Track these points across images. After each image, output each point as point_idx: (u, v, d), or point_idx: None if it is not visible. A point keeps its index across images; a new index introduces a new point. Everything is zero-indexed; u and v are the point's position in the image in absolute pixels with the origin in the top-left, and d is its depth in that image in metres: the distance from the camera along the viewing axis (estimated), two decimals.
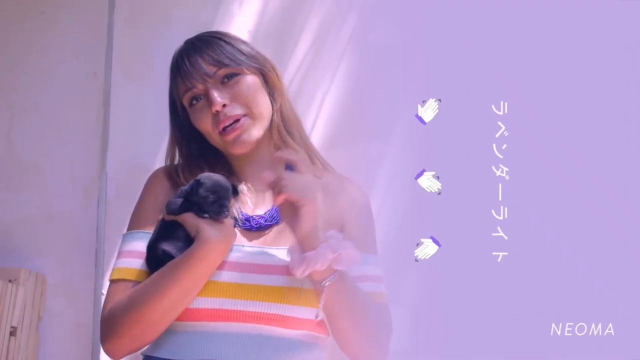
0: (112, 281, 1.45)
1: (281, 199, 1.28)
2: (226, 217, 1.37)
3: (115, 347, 1.38)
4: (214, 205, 1.36)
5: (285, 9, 2.10)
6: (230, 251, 1.39)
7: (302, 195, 1.28)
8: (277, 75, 1.54)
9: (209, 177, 1.40)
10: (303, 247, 1.30)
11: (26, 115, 2.18)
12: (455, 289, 1.97)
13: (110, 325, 1.37)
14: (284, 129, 1.51)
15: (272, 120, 1.50)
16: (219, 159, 1.53)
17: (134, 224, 1.51)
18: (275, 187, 1.29)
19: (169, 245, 1.38)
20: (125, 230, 2.03)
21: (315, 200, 1.30)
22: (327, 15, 2.09)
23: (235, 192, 1.43)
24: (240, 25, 2.08)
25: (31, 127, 2.17)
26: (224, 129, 1.45)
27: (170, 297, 1.33)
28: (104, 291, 2.02)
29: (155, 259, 1.40)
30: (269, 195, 1.46)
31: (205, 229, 1.34)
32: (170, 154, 1.57)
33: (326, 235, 1.31)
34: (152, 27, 2.14)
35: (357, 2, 2.08)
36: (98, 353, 2.00)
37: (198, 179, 1.39)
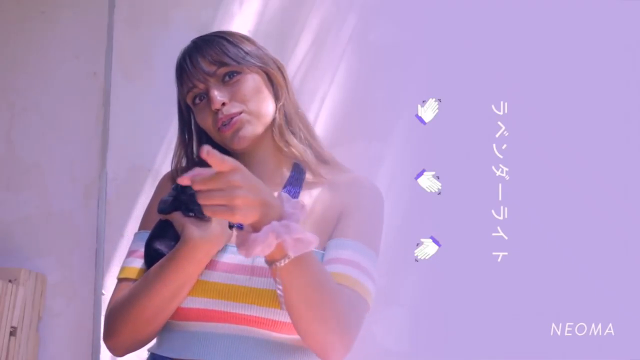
0: (117, 280, 1.46)
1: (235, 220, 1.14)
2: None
3: (114, 344, 1.40)
4: (199, 204, 1.35)
5: (285, 9, 2.10)
6: (225, 252, 1.38)
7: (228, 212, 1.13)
8: (282, 74, 1.53)
9: None
10: (252, 224, 1.17)
11: (26, 115, 2.18)
12: (455, 289, 1.97)
13: (110, 323, 1.38)
14: (287, 128, 1.50)
15: (273, 119, 1.50)
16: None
17: (141, 225, 1.52)
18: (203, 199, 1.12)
19: (161, 244, 1.38)
20: (125, 231, 2.06)
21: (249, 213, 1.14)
22: (327, 15, 2.09)
23: None
24: (240, 25, 2.09)
25: (31, 127, 2.17)
26: (223, 125, 1.45)
27: (159, 295, 1.33)
28: (104, 291, 2.03)
29: (149, 258, 1.40)
30: None
31: (189, 228, 1.33)
32: (177, 156, 1.56)
33: (280, 209, 1.17)
34: (152, 27, 2.14)
35: (357, 2, 2.08)
36: (98, 353, 2.00)
37: None
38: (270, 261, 1.21)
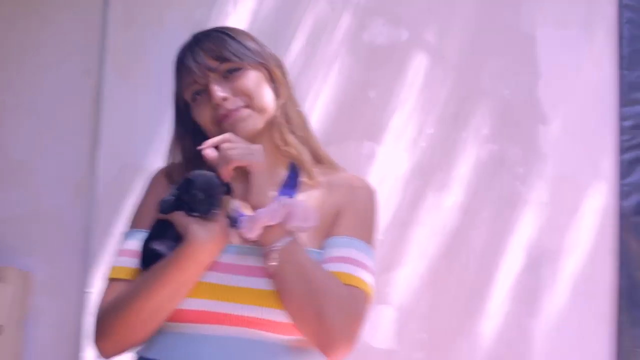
0: (108, 280, 1.44)
1: (231, 168, 1.30)
2: (215, 215, 1.34)
3: (105, 346, 1.37)
4: (203, 204, 1.33)
5: (279, 8, 2.11)
6: (224, 252, 1.37)
7: (250, 159, 1.32)
8: (282, 72, 1.52)
9: (199, 174, 1.37)
10: (255, 208, 1.29)
11: (17, 113, 2.18)
12: (450, 290, 1.96)
13: (101, 324, 1.36)
14: (286, 126, 1.49)
15: (274, 117, 1.48)
16: None
17: (133, 223, 1.49)
18: (222, 159, 1.32)
19: (160, 245, 1.36)
20: (115, 229, 2.04)
21: (261, 161, 1.33)
22: (321, 15, 2.09)
23: (229, 190, 1.40)
24: (235, 24, 2.08)
25: (22, 125, 2.17)
26: (224, 117, 1.43)
27: (158, 297, 1.31)
28: (92, 289, 2.02)
29: (147, 258, 1.38)
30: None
31: (194, 228, 1.31)
32: (172, 153, 1.54)
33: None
34: (146, 27, 2.15)
35: (351, 1, 2.09)
36: (84, 351, 1.99)
37: (188, 177, 1.35)
38: (270, 242, 1.25)
